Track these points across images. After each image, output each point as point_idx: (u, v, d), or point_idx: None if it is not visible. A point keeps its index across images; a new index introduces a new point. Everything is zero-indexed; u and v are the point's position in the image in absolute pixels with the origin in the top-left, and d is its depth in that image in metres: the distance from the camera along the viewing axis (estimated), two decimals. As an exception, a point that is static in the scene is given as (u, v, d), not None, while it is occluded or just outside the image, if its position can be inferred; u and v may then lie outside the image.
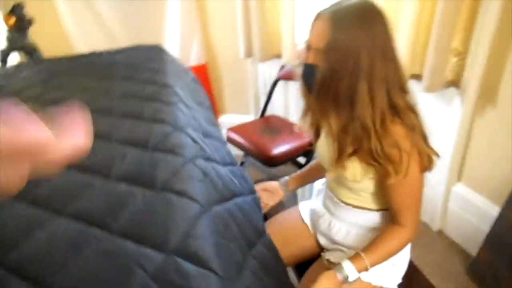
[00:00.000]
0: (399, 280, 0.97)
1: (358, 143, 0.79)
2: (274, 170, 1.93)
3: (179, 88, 1.04)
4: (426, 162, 0.80)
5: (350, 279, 0.83)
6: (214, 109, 2.70)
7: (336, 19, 0.74)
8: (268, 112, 2.33)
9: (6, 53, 1.97)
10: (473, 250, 1.61)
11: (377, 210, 0.92)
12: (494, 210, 1.45)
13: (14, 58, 2.05)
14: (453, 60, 1.40)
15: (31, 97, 1.12)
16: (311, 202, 1.15)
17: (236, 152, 2.02)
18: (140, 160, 0.68)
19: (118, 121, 0.88)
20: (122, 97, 1.01)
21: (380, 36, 0.73)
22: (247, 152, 1.94)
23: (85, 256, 0.48)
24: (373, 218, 0.93)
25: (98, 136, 0.83)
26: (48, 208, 0.59)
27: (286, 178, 1.13)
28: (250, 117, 2.68)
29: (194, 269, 0.43)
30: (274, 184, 1.12)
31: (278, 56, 2.14)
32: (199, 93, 1.34)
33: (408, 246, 1.01)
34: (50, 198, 0.62)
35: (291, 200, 1.25)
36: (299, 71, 0.86)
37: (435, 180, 1.72)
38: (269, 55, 2.13)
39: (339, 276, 0.83)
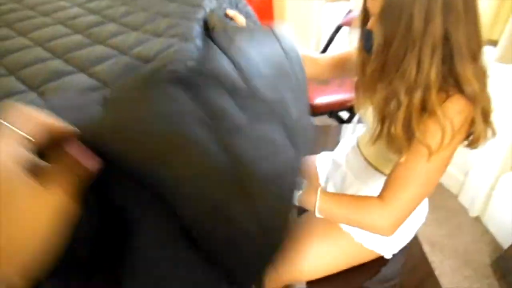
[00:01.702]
0: (395, 251, 0.94)
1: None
2: (315, 120, 1.89)
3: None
4: (476, 139, 0.71)
5: None
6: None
7: None
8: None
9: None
10: (506, 244, 1.49)
11: None
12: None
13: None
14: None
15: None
16: (333, 153, 1.13)
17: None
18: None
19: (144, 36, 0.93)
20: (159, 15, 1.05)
21: None
22: (290, 96, 1.91)
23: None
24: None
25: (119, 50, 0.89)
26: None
27: None
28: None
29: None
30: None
31: (346, -2, 1.97)
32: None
33: (419, 221, 0.96)
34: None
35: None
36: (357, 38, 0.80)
37: (486, 165, 1.56)
38: (336, -5, 1.96)
39: None
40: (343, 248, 0.90)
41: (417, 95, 0.67)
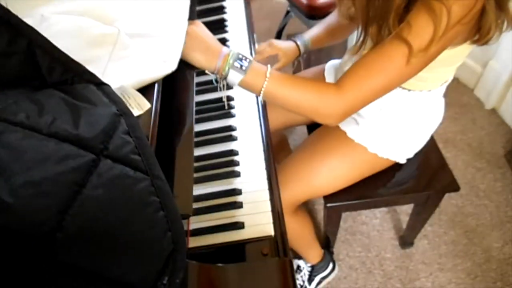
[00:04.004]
0: (410, 156, 0.92)
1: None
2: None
3: None
4: (486, 32, 0.60)
5: (226, 72, 0.61)
6: None
7: None
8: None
9: None
10: (523, 134, 1.46)
11: (410, 90, 0.79)
12: None
13: None
14: None
15: None
16: (340, 61, 1.04)
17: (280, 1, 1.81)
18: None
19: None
20: None
21: None
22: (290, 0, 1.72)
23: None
24: (402, 96, 0.80)
25: None
26: None
27: (305, 37, 0.94)
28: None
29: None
30: (288, 45, 0.92)
31: None
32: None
33: (436, 123, 0.91)
34: None
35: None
36: None
37: (506, 54, 1.44)
38: None
39: (222, 53, 0.61)
40: (357, 160, 0.88)
41: None
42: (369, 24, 0.67)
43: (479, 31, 0.61)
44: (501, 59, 1.50)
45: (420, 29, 0.56)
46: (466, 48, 0.68)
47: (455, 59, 0.71)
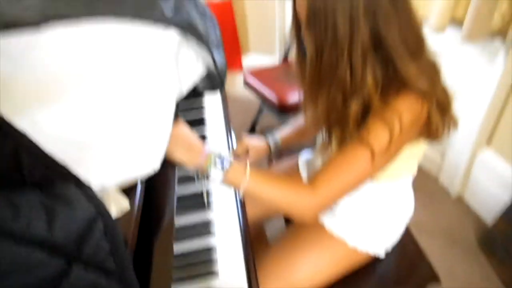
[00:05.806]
0: (388, 248, 0.92)
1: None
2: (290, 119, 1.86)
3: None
4: (434, 132, 0.69)
5: (208, 172, 0.66)
6: (238, 48, 2.58)
7: None
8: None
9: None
10: (490, 220, 1.51)
11: (377, 183, 0.82)
12: (520, 182, 1.32)
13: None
14: (503, 5, 1.18)
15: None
16: (312, 154, 1.09)
17: (254, 98, 1.96)
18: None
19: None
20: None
21: None
22: (262, 98, 1.87)
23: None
24: (371, 188, 0.83)
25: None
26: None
27: (276, 137, 1.01)
28: (275, 57, 2.55)
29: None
30: (258, 143, 0.98)
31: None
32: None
33: (409, 215, 0.94)
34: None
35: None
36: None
37: (462, 143, 1.58)
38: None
39: (204, 153, 0.66)
40: (337, 255, 0.86)
41: (356, 102, 0.66)
42: (332, 128, 0.74)
43: (429, 131, 0.69)
44: (455, 149, 1.63)
45: (378, 134, 0.64)
46: (422, 143, 0.75)
47: (414, 154, 0.78)
